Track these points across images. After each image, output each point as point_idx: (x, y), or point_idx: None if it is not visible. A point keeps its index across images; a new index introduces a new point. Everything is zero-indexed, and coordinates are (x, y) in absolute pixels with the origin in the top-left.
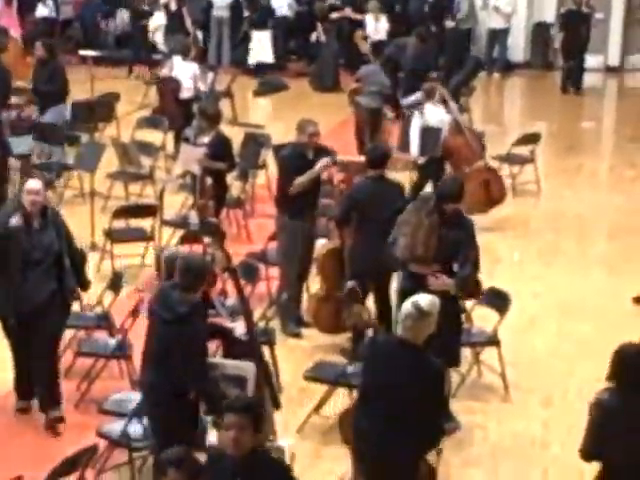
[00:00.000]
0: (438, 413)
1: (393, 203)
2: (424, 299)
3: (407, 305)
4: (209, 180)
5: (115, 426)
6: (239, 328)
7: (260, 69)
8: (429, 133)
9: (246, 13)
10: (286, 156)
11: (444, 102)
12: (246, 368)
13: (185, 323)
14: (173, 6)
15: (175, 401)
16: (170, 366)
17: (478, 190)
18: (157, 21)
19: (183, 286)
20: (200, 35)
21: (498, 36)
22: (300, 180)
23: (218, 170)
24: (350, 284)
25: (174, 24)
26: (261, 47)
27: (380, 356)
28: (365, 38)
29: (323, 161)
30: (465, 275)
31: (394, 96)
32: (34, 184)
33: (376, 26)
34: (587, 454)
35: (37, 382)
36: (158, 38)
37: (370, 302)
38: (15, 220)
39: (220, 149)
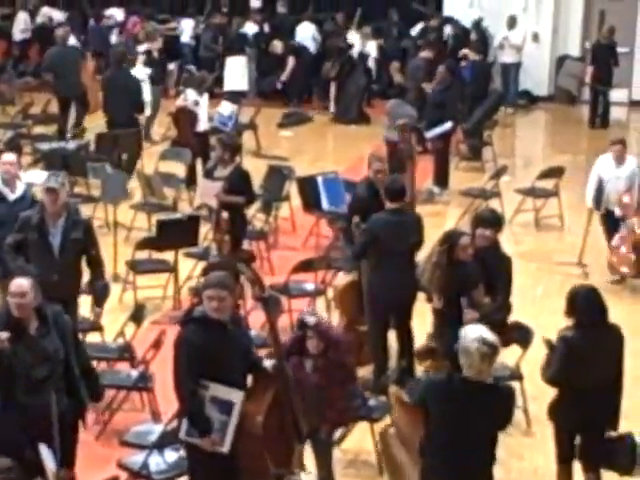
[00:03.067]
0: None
1: (411, 235)
2: (485, 333)
3: (473, 345)
4: (225, 214)
5: (136, 458)
6: (268, 360)
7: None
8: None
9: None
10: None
11: None
12: (235, 395)
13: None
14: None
15: None
16: None
17: None
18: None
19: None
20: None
21: (511, 70)
22: None
23: (236, 204)
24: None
25: None
26: (235, 74)
27: (456, 401)
28: (400, 69)
29: None
30: (493, 308)
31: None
32: (18, 284)
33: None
34: (552, 381)
35: None
36: None
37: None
38: (1, 335)
39: (239, 183)
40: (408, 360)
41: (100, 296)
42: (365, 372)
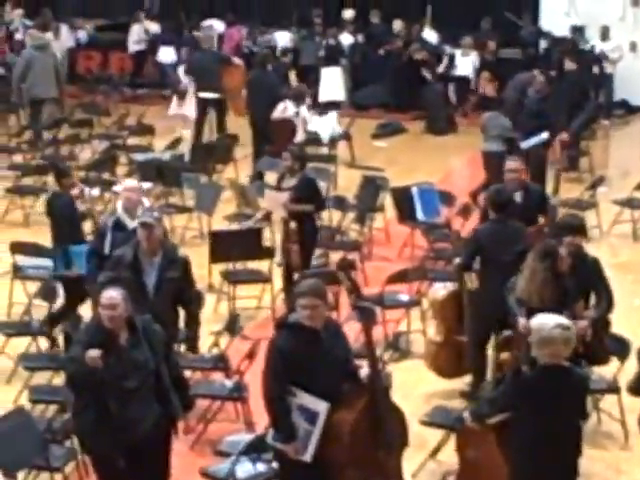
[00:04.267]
0: None
1: (516, 245)
2: (556, 318)
3: (555, 331)
4: (293, 224)
5: (222, 466)
6: (363, 370)
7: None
8: None
9: None
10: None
11: None
12: (322, 405)
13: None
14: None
15: None
16: None
17: None
18: None
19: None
20: None
21: (605, 81)
22: None
23: (306, 213)
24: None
25: None
26: (331, 84)
27: (548, 390)
28: (491, 80)
29: None
30: (599, 315)
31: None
32: (109, 295)
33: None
34: (630, 390)
35: None
36: None
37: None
38: (93, 353)
39: (307, 191)
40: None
41: (193, 341)
42: (462, 384)
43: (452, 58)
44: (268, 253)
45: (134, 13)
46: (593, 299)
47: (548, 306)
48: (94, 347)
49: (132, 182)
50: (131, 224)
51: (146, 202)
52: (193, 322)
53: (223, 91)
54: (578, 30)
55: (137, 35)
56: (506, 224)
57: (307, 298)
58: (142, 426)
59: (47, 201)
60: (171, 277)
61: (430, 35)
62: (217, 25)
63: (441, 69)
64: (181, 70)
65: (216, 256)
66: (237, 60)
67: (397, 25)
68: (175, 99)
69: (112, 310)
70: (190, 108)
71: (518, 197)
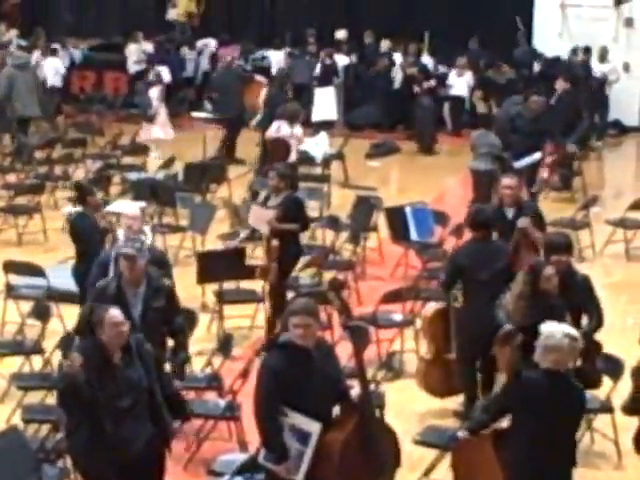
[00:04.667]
0: None
1: (497, 263)
2: (566, 328)
3: (564, 341)
4: (275, 242)
5: None
6: (354, 390)
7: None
8: None
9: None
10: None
11: None
12: (314, 426)
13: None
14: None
15: None
16: None
17: None
18: None
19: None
20: None
21: (604, 103)
22: None
23: (290, 232)
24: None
25: None
26: (325, 104)
27: (541, 395)
28: (484, 98)
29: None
30: (589, 330)
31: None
32: (114, 314)
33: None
34: (630, 411)
35: None
36: None
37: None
38: (73, 356)
39: (292, 210)
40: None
41: (181, 369)
42: (455, 403)
43: (445, 78)
44: (251, 273)
45: (132, 33)
46: (585, 319)
47: (530, 323)
48: (90, 366)
49: (134, 209)
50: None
51: (147, 229)
52: (180, 350)
53: (240, 108)
54: (575, 51)
55: (136, 55)
56: (487, 243)
57: (299, 317)
58: (136, 445)
59: (71, 221)
60: (157, 307)
61: (428, 61)
62: (211, 44)
63: (431, 84)
64: (153, 92)
65: (203, 277)
66: (259, 77)
67: (385, 45)
68: (144, 124)
69: (122, 327)
70: (162, 131)
71: (510, 214)
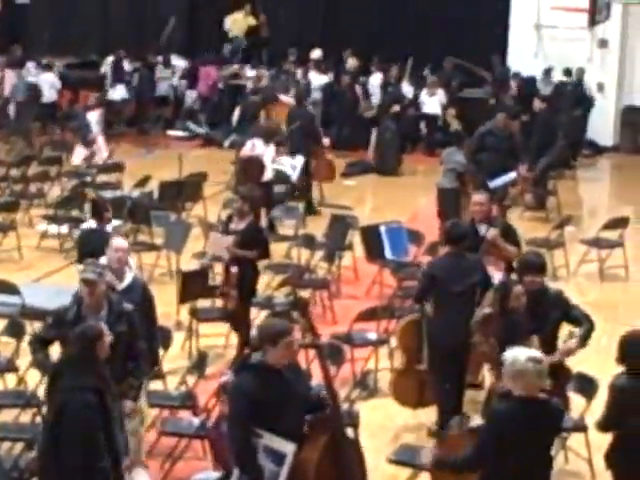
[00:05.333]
0: None
1: (470, 278)
2: (528, 352)
3: (528, 365)
4: (234, 269)
5: None
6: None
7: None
8: None
9: None
10: None
11: None
12: (289, 447)
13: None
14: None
15: None
16: None
17: None
18: None
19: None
20: None
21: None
22: None
23: (248, 259)
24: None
25: None
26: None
27: (517, 426)
28: (459, 117)
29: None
30: (584, 333)
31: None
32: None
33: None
34: (598, 427)
35: None
36: None
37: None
38: None
39: (253, 237)
40: (458, 404)
41: (136, 391)
42: (429, 421)
43: (416, 97)
44: (211, 293)
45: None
46: (563, 334)
47: (497, 340)
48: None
49: (121, 241)
50: (119, 285)
51: (131, 262)
52: (139, 373)
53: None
54: (549, 71)
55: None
56: (461, 257)
57: (291, 335)
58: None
59: (83, 237)
60: (119, 332)
61: (408, 89)
62: (179, 62)
63: (396, 109)
64: (92, 115)
65: (184, 296)
66: (284, 98)
67: (350, 63)
68: (79, 147)
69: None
70: (100, 154)
71: (483, 230)
